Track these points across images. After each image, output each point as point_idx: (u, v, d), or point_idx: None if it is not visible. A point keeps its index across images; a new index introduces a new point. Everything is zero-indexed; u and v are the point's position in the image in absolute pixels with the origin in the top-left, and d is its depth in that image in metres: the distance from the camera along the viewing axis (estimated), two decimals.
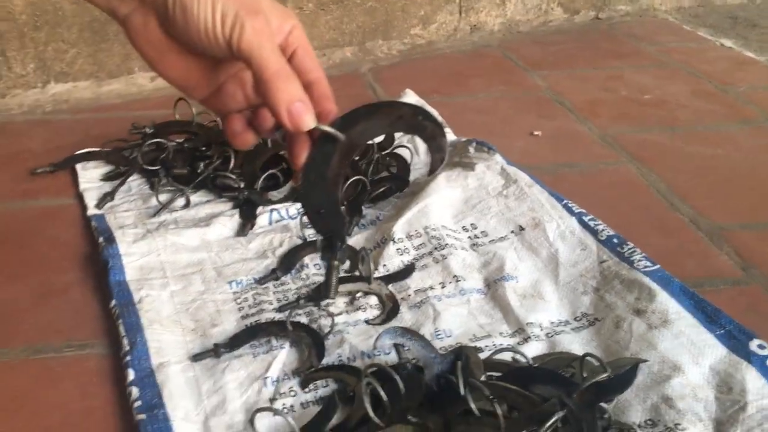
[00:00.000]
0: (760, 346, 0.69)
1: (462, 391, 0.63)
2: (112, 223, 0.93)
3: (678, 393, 0.65)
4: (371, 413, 0.61)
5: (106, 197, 0.99)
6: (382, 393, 0.62)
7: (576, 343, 0.74)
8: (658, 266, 0.80)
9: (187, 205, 0.97)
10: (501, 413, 0.59)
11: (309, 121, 0.51)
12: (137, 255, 0.86)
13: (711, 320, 0.73)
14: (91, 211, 0.96)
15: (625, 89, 1.43)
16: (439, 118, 0.54)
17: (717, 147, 1.20)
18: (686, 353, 0.69)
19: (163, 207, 0.95)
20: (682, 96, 1.40)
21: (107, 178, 1.04)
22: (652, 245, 0.89)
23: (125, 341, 0.73)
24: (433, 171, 0.53)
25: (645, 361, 0.69)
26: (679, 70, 1.52)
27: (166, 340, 0.74)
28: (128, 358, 0.71)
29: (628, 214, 1.00)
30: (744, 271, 0.88)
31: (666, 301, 0.75)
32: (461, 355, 0.67)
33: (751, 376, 0.66)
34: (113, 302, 0.79)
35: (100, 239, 0.89)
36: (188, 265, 0.86)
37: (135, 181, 1.03)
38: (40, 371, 0.72)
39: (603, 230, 0.87)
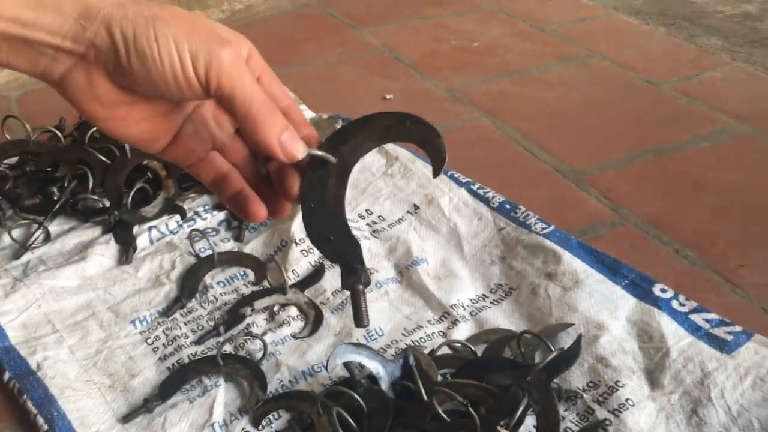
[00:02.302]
0: (662, 290, 0.76)
1: (425, 396, 0.63)
2: None
3: (609, 350, 0.70)
4: None
5: None
6: (351, 421, 0.61)
7: (501, 317, 0.77)
8: (553, 227, 0.85)
9: (48, 238, 0.87)
10: (475, 413, 0.60)
11: (301, 149, 0.47)
12: (15, 311, 0.76)
13: (613, 272, 0.79)
14: None
15: (454, 38, 1.46)
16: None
17: (553, 89, 1.27)
18: (604, 310, 0.75)
19: (26, 247, 0.84)
20: (505, 39, 1.46)
21: None
22: (528, 199, 0.94)
23: (40, 419, 0.65)
24: (437, 173, 0.50)
25: (572, 324, 0.73)
26: (495, 13, 1.58)
27: (86, 406, 0.67)
28: None
29: (496, 171, 1.04)
30: (615, 212, 0.96)
31: (571, 261, 0.80)
32: (408, 357, 0.67)
33: (664, 321, 0.72)
34: (7, 375, 0.69)
35: None
36: (77, 311, 0.78)
37: None
38: None
39: (493, 197, 0.90)
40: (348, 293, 0.52)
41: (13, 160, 0.97)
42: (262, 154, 0.49)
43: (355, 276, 0.51)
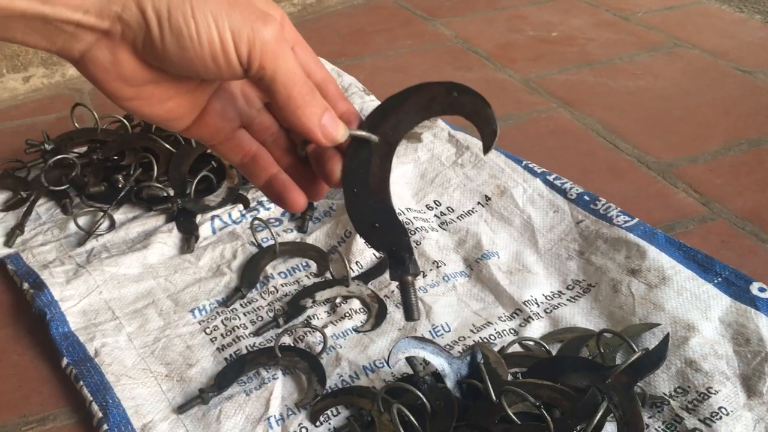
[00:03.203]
0: (761, 289, 0.69)
1: (494, 396, 0.58)
2: (33, 262, 0.80)
3: (699, 353, 0.64)
4: None
5: (15, 231, 0.85)
6: (413, 420, 0.57)
7: (578, 315, 0.71)
8: (637, 220, 0.78)
9: (112, 226, 0.86)
10: (548, 416, 0.55)
11: (342, 131, 0.44)
12: (76, 297, 0.75)
13: (705, 269, 0.72)
14: (2, 251, 0.83)
15: (531, 29, 1.40)
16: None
17: (638, 79, 1.20)
18: (694, 309, 0.68)
19: (90, 234, 0.83)
20: (587, 29, 1.39)
21: (7, 207, 0.90)
22: (609, 192, 0.88)
23: (95, 407, 0.63)
24: (487, 148, 0.46)
25: (658, 324, 0.67)
26: (576, 2, 1.51)
27: (141, 394, 0.65)
28: (105, 427, 0.61)
29: (574, 163, 0.98)
30: (706, 207, 0.88)
31: (657, 256, 0.73)
32: (476, 353, 0.63)
33: (762, 323, 0.65)
34: (65, 360, 0.68)
35: (25, 285, 0.77)
36: (138, 299, 0.76)
37: (42, 206, 0.90)
38: None
39: (571, 188, 0.84)
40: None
41: (83, 149, 0.97)
42: (301, 137, 0.45)
43: (403, 267, 0.47)
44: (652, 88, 1.17)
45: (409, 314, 0.48)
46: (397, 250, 0.47)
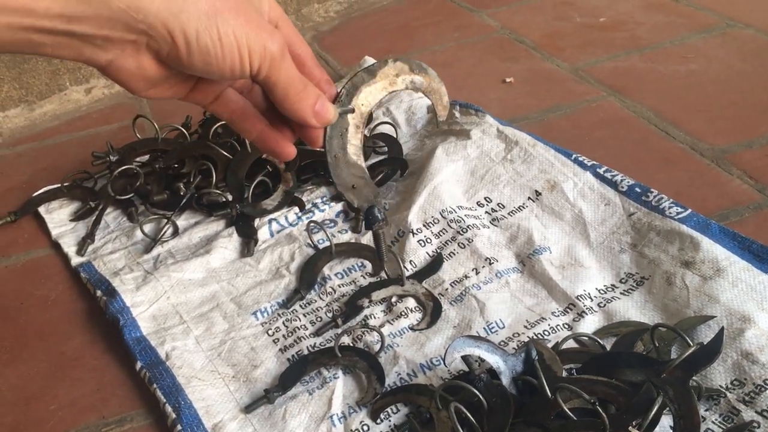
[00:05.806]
0: None
1: (549, 393, 0.60)
2: (104, 270, 0.84)
3: (756, 345, 0.64)
4: None
5: (86, 240, 0.90)
6: (470, 417, 0.58)
7: (632, 309, 0.72)
8: (690, 211, 0.78)
9: (176, 232, 0.90)
10: (603, 412, 0.56)
11: (332, 111, 0.52)
12: (146, 303, 0.79)
13: (761, 259, 0.72)
14: (75, 260, 0.88)
15: (579, 15, 1.39)
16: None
17: (690, 62, 1.18)
18: (750, 301, 0.68)
19: (155, 240, 0.87)
20: (636, 12, 1.37)
21: (78, 217, 0.95)
22: (661, 181, 0.88)
23: (168, 408, 0.67)
24: (441, 119, 0.58)
25: (713, 317, 0.67)
26: None
27: (211, 395, 0.68)
28: (179, 427, 0.65)
29: (625, 153, 0.98)
30: (762, 194, 0.87)
31: (711, 248, 0.73)
32: (531, 350, 0.64)
33: None
34: (139, 364, 0.72)
35: (98, 292, 0.81)
36: (203, 303, 0.80)
37: (109, 215, 0.95)
38: None
39: (622, 180, 0.84)
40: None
41: (146, 158, 1.01)
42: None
43: (377, 222, 0.58)
44: (704, 71, 1.15)
45: (381, 260, 0.61)
46: (371, 208, 0.57)
